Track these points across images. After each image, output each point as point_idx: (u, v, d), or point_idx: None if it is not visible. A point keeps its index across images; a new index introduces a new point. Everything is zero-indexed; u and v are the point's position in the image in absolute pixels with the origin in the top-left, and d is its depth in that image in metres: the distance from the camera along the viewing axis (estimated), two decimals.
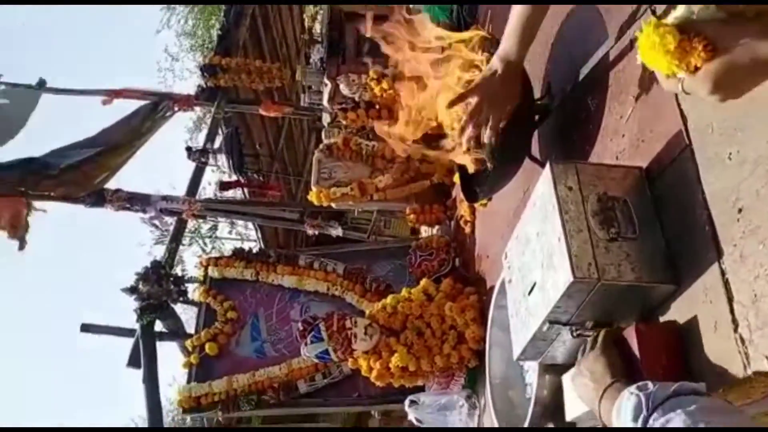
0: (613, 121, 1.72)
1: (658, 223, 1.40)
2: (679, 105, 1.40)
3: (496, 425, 2.12)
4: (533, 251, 1.55)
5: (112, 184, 4.99)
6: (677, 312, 1.32)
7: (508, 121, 1.92)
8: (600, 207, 1.41)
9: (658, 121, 1.48)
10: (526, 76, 2.06)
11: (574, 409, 1.55)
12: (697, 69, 0.90)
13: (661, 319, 1.37)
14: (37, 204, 5.02)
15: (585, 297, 1.35)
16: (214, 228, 12.72)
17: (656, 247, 1.37)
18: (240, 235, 13.57)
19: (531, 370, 1.99)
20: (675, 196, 1.38)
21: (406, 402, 2.98)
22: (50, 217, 4.90)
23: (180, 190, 5.48)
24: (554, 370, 1.73)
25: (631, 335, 1.31)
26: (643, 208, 1.42)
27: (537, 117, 2.09)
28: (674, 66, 0.92)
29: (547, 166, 1.49)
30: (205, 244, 13.65)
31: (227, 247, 13.46)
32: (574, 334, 1.46)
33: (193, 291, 4.90)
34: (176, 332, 4.95)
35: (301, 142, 8.72)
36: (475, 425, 2.78)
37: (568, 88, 1.95)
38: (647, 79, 1.56)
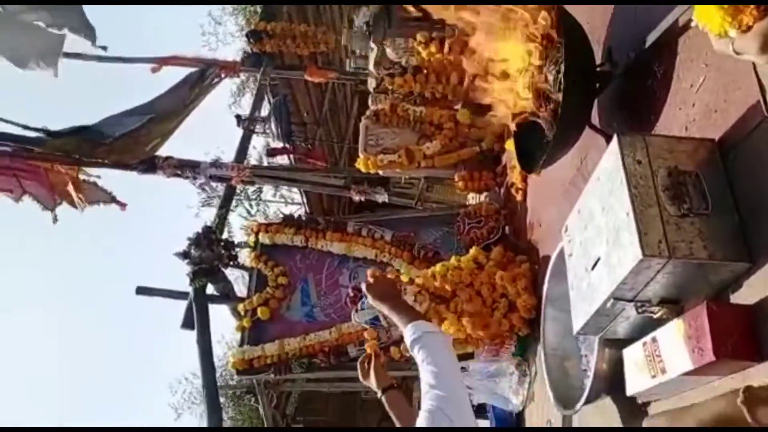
0: (682, 90, 1.65)
1: (732, 199, 1.35)
2: (757, 74, 1.33)
3: (550, 395, 2.13)
4: (597, 226, 1.52)
5: (162, 152, 5.08)
6: (750, 290, 1.29)
7: (568, 89, 1.87)
8: (671, 182, 1.37)
9: (734, 90, 1.42)
10: (587, 41, 2.00)
11: (636, 383, 1.54)
12: (749, 28, 0.87)
13: (732, 296, 1.34)
14: (90, 170, 5.19)
15: (654, 275, 1.33)
16: (260, 190, 12.85)
17: (730, 223, 1.32)
18: (284, 197, 13.68)
19: (587, 341, 1.98)
20: (750, 170, 1.32)
21: None
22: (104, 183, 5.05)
23: (228, 155, 5.56)
24: (614, 344, 1.72)
25: (701, 314, 1.28)
26: (715, 182, 1.37)
27: (598, 84, 2.03)
28: (726, 23, 0.89)
29: (614, 138, 1.45)
30: (250, 206, 13.77)
31: (272, 210, 13.63)
32: (640, 310, 1.44)
33: (243, 255, 5.01)
34: (227, 295, 5.08)
35: (345, 107, 8.69)
36: (526, 393, 2.79)
37: (632, 54, 1.88)
38: None
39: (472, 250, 3.07)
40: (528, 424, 2.76)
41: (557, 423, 2.33)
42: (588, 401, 1.84)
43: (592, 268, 1.53)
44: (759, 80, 1.33)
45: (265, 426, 8.50)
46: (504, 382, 2.90)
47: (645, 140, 1.44)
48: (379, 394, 2.02)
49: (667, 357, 1.40)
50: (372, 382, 2.16)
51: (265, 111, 5.51)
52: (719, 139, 1.44)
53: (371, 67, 4.94)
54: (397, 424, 1.89)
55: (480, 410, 3.19)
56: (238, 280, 6.00)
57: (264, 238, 4.02)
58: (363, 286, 2.11)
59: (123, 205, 4.88)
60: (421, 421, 1.17)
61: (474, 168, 3.76)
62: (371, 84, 5.04)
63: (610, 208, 1.45)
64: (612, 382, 1.77)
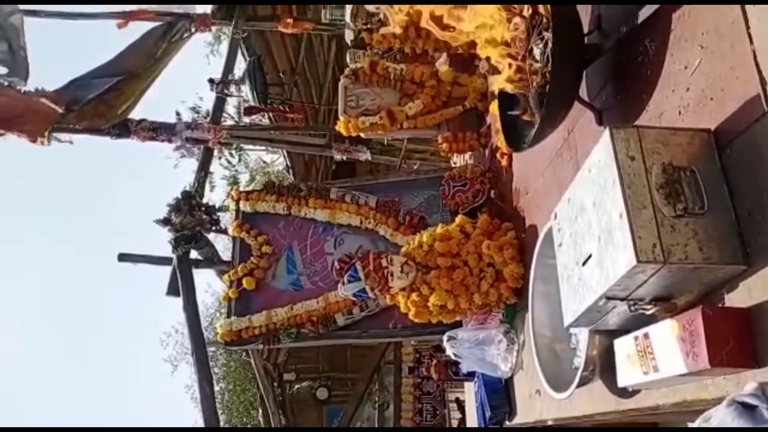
0: (675, 71, 1.57)
1: (728, 197, 1.30)
2: (757, 65, 1.26)
3: (540, 374, 2.14)
4: (588, 221, 1.47)
5: (135, 114, 4.92)
6: (746, 293, 1.26)
7: (557, 64, 1.79)
8: (665, 179, 1.31)
9: (732, 79, 1.34)
10: (576, 13, 1.89)
11: (627, 377, 1.53)
12: None
13: (727, 297, 1.31)
14: (62, 136, 5.01)
15: (647, 278, 1.29)
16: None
17: (726, 223, 1.28)
18: (266, 148, 13.45)
19: None
20: (748, 168, 1.27)
21: (444, 337, 3.03)
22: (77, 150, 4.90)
23: (208, 103, 5.33)
24: (605, 332, 1.70)
25: (696, 319, 1.25)
26: (711, 179, 1.32)
27: (586, 57, 1.94)
28: None
29: (606, 131, 1.39)
30: (231, 155, 13.53)
31: (252, 158, 13.44)
32: (632, 309, 1.41)
33: (225, 219, 4.94)
34: (212, 259, 5.04)
35: (322, 53, 8.46)
36: (514, 360, 2.81)
37: (623, 28, 1.78)
38: (716, 28, 1.40)
39: (458, 219, 3.02)
40: (517, 391, 2.79)
41: (545, 393, 2.35)
42: (579, 386, 1.84)
43: (583, 264, 1.49)
44: (759, 72, 1.26)
45: (257, 376, 8.64)
46: (492, 349, 2.92)
47: (639, 133, 1.37)
48: None
49: (659, 356, 1.38)
50: None
51: (240, 68, 5.31)
52: (715, 130, 1.37)
53: (348, 18, 4.75)
54: None
55: (470, 375, 3.23)
56: (219, 242, 5.95)
57: (245, 206, 3.93)
58: None
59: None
60: None
61: (457, 128, 3.66)
62: (348, 36, 4.86)
63: (601, 204, 1.40)
64: (603, 367, 1.77)
